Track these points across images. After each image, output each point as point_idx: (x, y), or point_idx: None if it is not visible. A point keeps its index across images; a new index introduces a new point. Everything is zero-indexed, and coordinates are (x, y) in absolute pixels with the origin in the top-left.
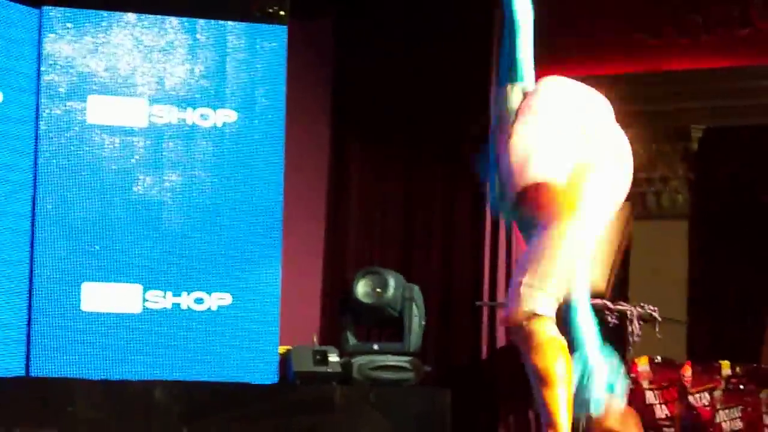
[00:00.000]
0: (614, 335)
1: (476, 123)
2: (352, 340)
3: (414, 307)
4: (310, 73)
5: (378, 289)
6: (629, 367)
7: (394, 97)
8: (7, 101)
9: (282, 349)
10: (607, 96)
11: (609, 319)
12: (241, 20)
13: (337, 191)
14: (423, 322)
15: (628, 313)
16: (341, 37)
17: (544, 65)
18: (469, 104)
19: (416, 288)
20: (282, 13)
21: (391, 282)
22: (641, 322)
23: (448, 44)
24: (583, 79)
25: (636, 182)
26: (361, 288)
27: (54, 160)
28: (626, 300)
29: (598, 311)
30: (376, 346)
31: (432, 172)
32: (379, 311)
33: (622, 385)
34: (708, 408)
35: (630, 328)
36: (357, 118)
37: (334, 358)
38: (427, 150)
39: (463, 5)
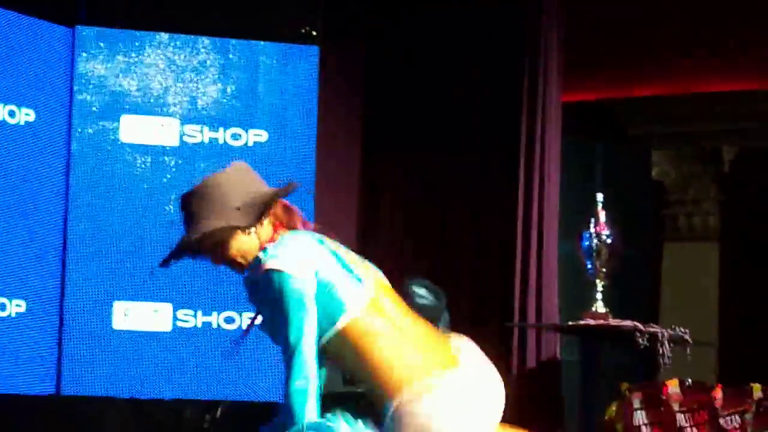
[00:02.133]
0: (645, 357)
1: (506, 143)
2: None
3: (438, 326)
4: (341, 93)
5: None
6: (660, 389)
7: (425, 118)
8: (39, 120)
9: None
10: (639, 117)
11: (640, 341)
12: (273, 41)
13: (367, 212)
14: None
15: (659, 335)
16: (372, 58)
17: (575, 87)
18: (499, 125)
19: (443, 307)
20: (314, 33)
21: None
22: (672, 345)
23: (478, 65)
24: (615, 102)
25: (668, 204)
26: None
27: (86, 179)
28: (657, 322)
29: (629, 333)
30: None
31: (462, 195)
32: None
33: None
34: (739, 431)
35: (661, 351)
36: (387, 139)
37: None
38: (457, 172)
39: (493, 27)
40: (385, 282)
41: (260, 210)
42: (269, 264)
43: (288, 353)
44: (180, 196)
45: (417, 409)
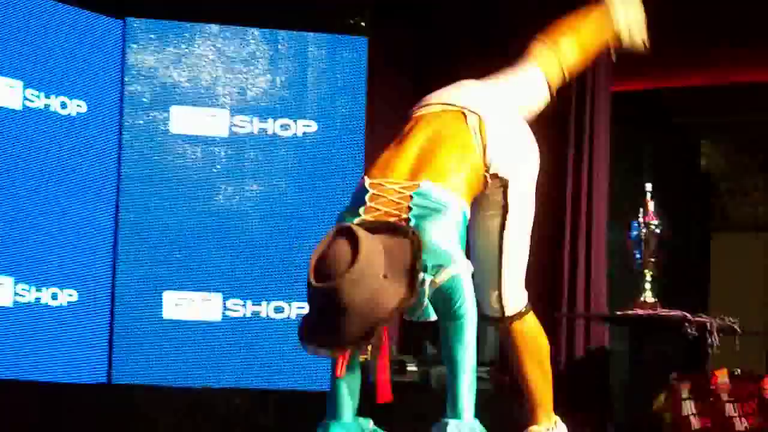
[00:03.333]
0: (693, 347)
1: (555, 133)
2: (431, 350)
3: None
4: (390, 83)
5: None
6: (709, 379)
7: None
8: (90, 111)
9: (361, 357)
10: (687, 107)
11: (689, 330)
12: (323, 31)
13: None
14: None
15: (708, 324)
16: (421, 47)
17: (624, 76)
18: (548, 114)
19: None
20: (363, 24)
21: None
22: (720, 334)
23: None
24: (664, 91)
25: (716, 194)
26: None
27: (136, 170)
28: (705, 312)
29: (677, 323)
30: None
31: None
32: None
33: None
34: None
35: (709, 340)
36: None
37: (412, 367)
38: None
39: (541, 14)
40: None
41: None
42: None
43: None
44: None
45: None
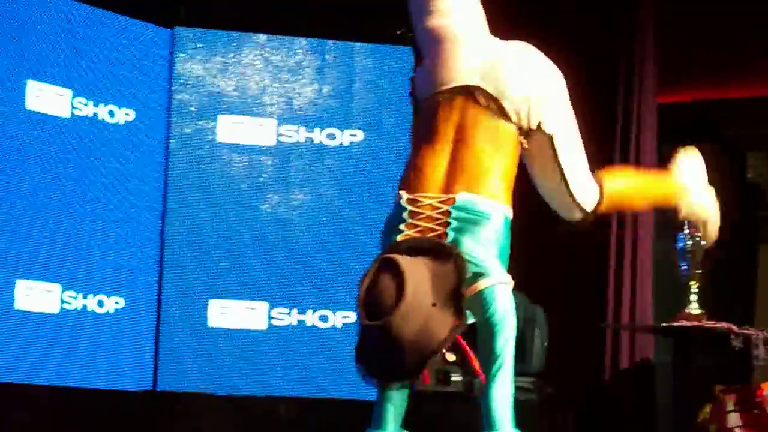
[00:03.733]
0: (739, 359)
1: (601, 144)
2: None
3: (535, 328)
4: None
5: None
6: (755, 391)
7: None
8: (139, 119)
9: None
10: (734, 119)
11: (734, 343)
12: (369, 42)
13: None
14: (545, 343)
15: (753, 337)
16: None
17: (670, 88)
18: (594, 126)
19: (539, 310)
20: (410, 34)
21: (533, 310)
22: (767, 347)
23: (573, 66)
24: (710, 103)
25: (763, 206)
26: None
27: (184, 178)
28: (752, 324)
29: (723, 335)
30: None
31: None
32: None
33: None
34: None
35: (755, 353)
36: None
37: (456, 377)
38: None
39: (588, 27)
40: None
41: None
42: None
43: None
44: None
45: None
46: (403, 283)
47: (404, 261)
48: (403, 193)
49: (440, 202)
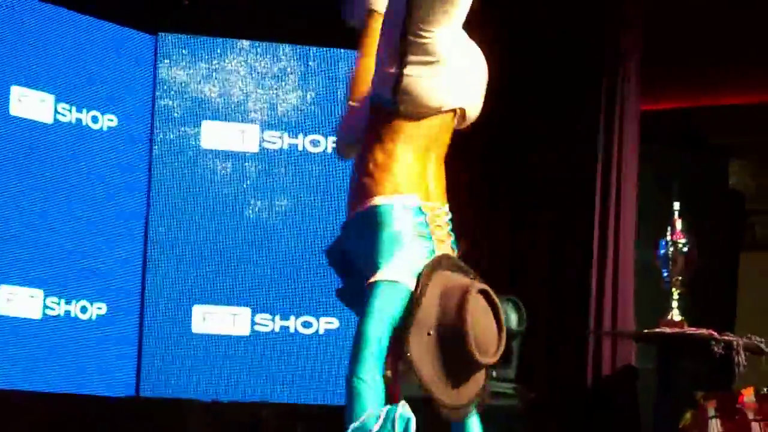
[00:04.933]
0: (720, 366)
1: (584, 152)
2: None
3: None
4: None
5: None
6: (735, 398)
7: (508, 124)
8: (121, 125)
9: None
10: (717, 127)
11: (715, 349)
12: (353, 48)
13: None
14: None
15: (734, 343)
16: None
17: (654, 95)
18: (577, 134)
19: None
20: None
21: (513, 316)
22: (747, 353)
23: (558, 76)
24: (694, 110)
25: (745, 214)
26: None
27: (167, 184)
28: (732, 331)
29: (704, 341)
30: (494, 373)
31: (539, 204)
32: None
33: None
34: None
35: (736, 359)
36: (470, 154)
37: None
38: (536, 179)
39: (573, 34)
40: None
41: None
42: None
43: None
44: None
45: None
46: (501, 323)
47: (495, 296)
48: (416, 198)
49: (445, 212)
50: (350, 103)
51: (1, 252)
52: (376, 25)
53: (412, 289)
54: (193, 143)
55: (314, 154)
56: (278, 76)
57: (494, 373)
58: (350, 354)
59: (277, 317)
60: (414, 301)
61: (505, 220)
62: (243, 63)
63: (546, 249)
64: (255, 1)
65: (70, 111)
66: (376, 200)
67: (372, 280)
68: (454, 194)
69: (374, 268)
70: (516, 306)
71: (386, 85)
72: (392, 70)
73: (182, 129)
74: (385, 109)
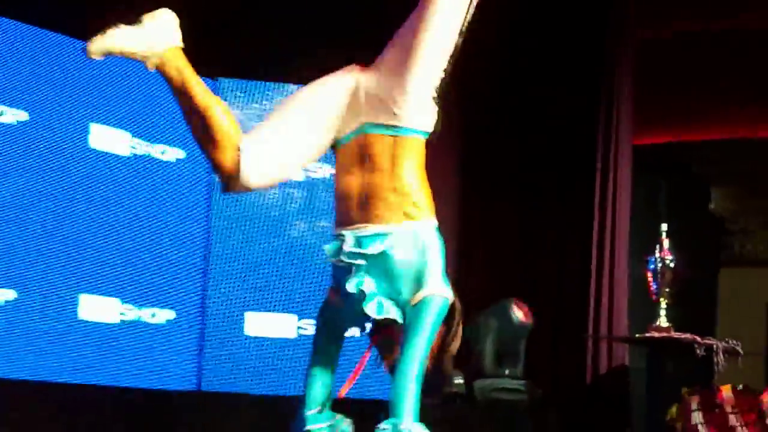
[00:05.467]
0: (702, 366)
1: (584, 181)
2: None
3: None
4: (439, 151)
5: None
6: (715, 393)
7: (516, 157)
8: (188, 158)
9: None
10: (700, 158)
11: (698, 351)
12: None
13: (465, 237)
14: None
15: (714, 346)
16: (469, 104)
17: (647, 131)
18: (578, 165)
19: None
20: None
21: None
22: (726, 355)
23: (560, 114)
24: (680, 144)
25: (724, 233)
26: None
27: (225, 208)
28: (713, 335)
29: (688, 344)
30: (507, 371)
31: (545, 224)
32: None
33: None
34: None
35: (716, 360)
36: (480, 171)
37: (458, 380)
38: (542, 203)
39: (572, 79)
40: None
41: None
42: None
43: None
44: None
45: None
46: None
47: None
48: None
49: None
50: None
51: (85, 267)
52: None
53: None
54: None
55: None
56: None
57: (507, 371)
58: (407, 359)
59: None
60: (453, 314)
61: (516, 241)
62: None
63: (552, 264)
64: (300, 50)
65: (142, 145)
66: (424, 220)
67: (428, 293)
68: (474, 220)
69: (422, 283)
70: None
71: (423, 115)
72: (428, 103)
73: None
74: (414, 138)
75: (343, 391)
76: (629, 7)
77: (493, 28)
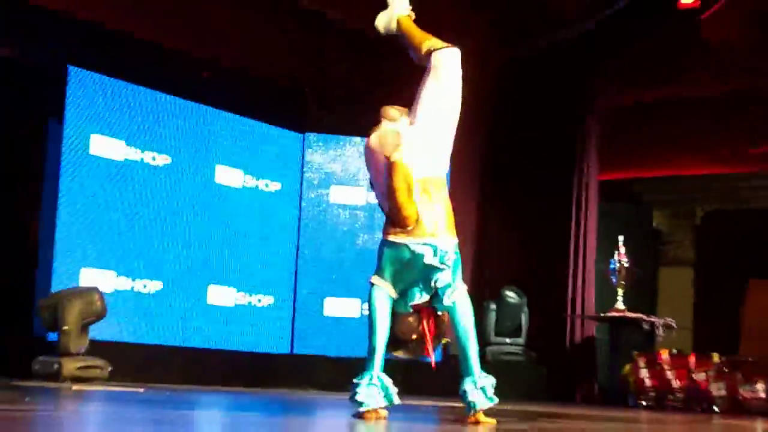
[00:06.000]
0: (647, 336)
1: (563, 206)
2: (490, 334)
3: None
4: (468, 146)
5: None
6: (656, 356)
7: (512, 187)
8: (283, 189)
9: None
10: (647, 190)
11: (644, 326)
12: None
13: (482, 232)
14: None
15: (656, 322)
16: (493, 123)
17: (609, 169)
18: (558, 194)
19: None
20: None
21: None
22: (664, 329)
23: (547, 155)
24: (633, 180)
25: (663, 243)
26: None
27: (310, 224)
28: (655, 314)
29: (637, 321)
30: (508, 340)
31: (537, 236)
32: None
33: None
34: (705, 381)
35: (657, 332)
36: (491, 201)
37: (446, 340)
38: (535, 222)
39: (554, 135)
40: None
41: None
42: None
43: None
44: None
45: None
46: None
47: None
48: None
49: None
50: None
51: (212, 267)
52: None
53: None
54: (326, 200)
55: None
56: None
57: (509, 341)
58: (473, 334)
59: None
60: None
61: (516, 249)
62: (356, 150)
63: (541, 265)
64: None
65: (253, 179)
66: (455, 238)
67: (459, 291)
68: (488, 237)
69: (451, 283)
70: (514, 290)
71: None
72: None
73: (319, 191)
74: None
75: (432, 358)
76: (594, 86)
77: (489, 106)
